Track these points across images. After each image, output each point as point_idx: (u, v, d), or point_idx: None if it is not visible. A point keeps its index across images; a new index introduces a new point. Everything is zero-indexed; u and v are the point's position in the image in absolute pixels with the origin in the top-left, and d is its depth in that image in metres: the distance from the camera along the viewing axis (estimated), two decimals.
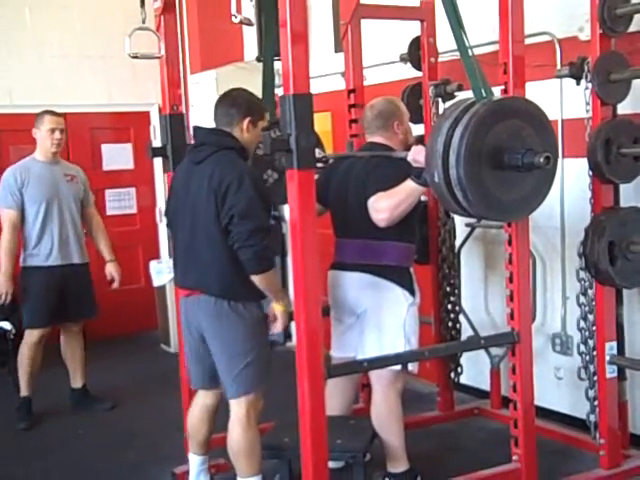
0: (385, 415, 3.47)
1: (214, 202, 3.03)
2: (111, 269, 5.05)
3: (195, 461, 3.50)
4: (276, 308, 3.19)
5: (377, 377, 3.47)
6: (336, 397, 3.63)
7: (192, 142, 3.35)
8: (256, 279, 3.04)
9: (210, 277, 3.13)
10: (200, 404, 3.43)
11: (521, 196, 2.87)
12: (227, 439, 3.19)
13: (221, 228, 3.04)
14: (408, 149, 3.34)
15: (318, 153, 3.24)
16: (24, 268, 4.76)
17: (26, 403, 4.83)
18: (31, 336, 4.77)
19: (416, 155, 3.11)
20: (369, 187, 3.30)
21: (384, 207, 3.22)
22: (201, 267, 3.16)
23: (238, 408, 3.16)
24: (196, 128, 3.30)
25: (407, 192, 3.19)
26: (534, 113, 2.86)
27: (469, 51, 2.91)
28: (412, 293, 3.45)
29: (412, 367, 3.45)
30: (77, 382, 5.05)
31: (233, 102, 3.21)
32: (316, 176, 3.05)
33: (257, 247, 2.96)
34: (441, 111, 4.18)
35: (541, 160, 2.70)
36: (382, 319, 3.40)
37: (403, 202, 3.21)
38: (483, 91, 2.84)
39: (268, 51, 3.51)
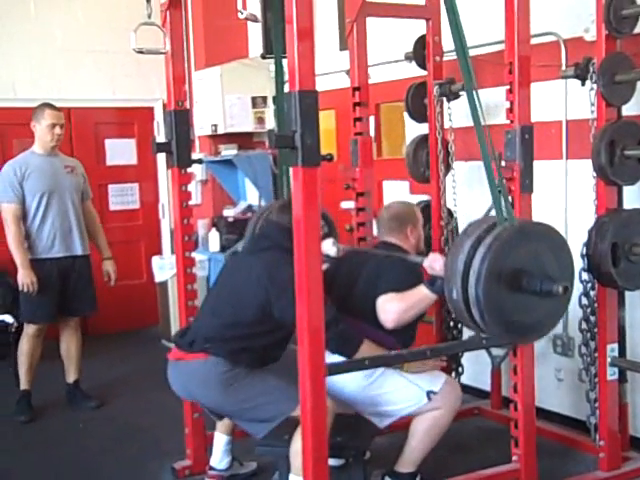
0: (435, 427, 3.36)
1: (265, 293, 3.10)
2: (108, 267, 5.05)
3: (221, 440, 3.64)
4: (404, 371, 3.28)
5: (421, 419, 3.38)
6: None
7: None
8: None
9: (216, 334, 3.18)
10: None
11: (536, 319, 2.90)
12: (293, 438, 3.14)
13: (263, 314, 3.11)
14: (419, 254, 3.38)
15: (333, 244, 3.26)
16: None
17: (26, 396, 4.84)
18: (29, 329, 4.78)
19: (433, 263, 3.12)
20: (380, 285, 3.28)
21: (394, 309, 3.20)
22: (214, 327, 3.21)
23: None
24: (267, 220, 3.48)
25: (419, 298, 3.18)
26: (555, 239, 2.91)
27: (495, 171, 2.84)
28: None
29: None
30: (69, 377, 5.05)
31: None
32: (325, 266, 3.13)
33: (335, 338, 2.90)
34: (445, 111, 4.19)
35: (560, 289, 2.73)
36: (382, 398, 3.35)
37: (414, 307, 3.20)
38: (504, 212, 2.84)
39: (277, 49, 3.49)
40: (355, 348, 3.06)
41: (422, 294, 3.17)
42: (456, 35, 2.82)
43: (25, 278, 4.61)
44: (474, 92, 2.81)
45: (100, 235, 5.08)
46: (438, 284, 3.06)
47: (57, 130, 4.76)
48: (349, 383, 3.28)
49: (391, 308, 3.21)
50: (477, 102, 2.81)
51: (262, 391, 3.14)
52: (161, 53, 3.55)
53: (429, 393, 3.30)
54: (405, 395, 3.31)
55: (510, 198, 3.05)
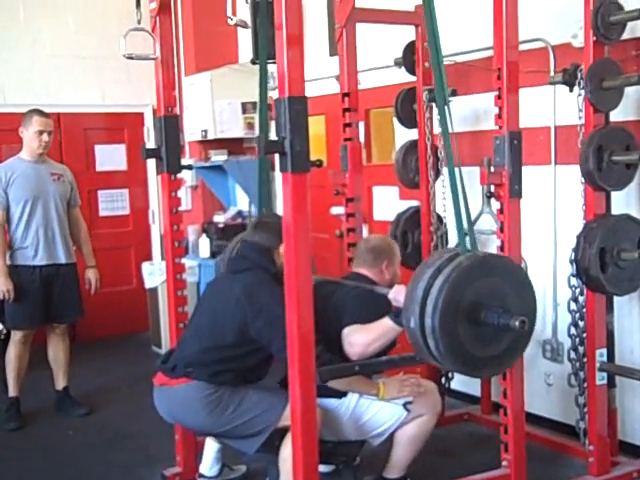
0: (419, 434, 3.37)
1: (242, 315, 3.11)
2: (90, 275, 5.01)
3: (212, 447, 3.64)
4: (380, 399, 3.26)
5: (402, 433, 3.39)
6: None
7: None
8: (336, 385, 3.08)
9: (198, 358, 3.19)
10: None
11: (494, 354, 2.81)
12: (282, 445, 3.16)
13: (242, 336, 3.12)
14: None
15: None
16: (9, 267, 4.70)
17: (15, 404, 4.81)
18: (15, 335, 4.76)
19: (397, 294, 3.06)
20: (346, 316, 3.25)
21: (359, 342, 3.16)
22: (196, 351, 3.21)
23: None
24: (244, 241, 3.43)
25: (383, 330, 3.12)
26: (517, 274, 2.87)
27: (462, 204, 2.83)
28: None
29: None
30: (59, 384, 5.01)
31: (269, 230, 3.30)
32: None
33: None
34: (434, 116, 4.19)
35: (516, 324, 2.66)
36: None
37: (378, 340, 3.14)
38: (468, 243, 2.82)
39: (262, 54, 3.50)
40: (327, 379, 3.03)
41: (387, 326, 3.10)
42: (432, 41, 2.83)
43: (1, 286, 4.58)
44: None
45: (86, 243, 5.04)
46: (401, 316, 2.98)
47: (45, 137, 4.72)
48: (334, 418, 3.28)
49: (356, 340, 3.16)
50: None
51: (247, 408, 3.13)
52: (151, 59, 3.54)
53: (405, 405, 3.30)
54: (385, 415, 3.31)
55: (499, 204, 3.07)
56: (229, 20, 2.83)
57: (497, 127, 3.04)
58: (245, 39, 6.20)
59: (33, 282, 4.72)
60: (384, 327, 3.11)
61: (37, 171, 4.78)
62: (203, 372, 3.14)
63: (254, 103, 5.99)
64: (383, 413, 3.31)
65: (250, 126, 6.13)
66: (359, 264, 3.57)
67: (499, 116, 3.04)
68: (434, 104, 4.16)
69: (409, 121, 4.32)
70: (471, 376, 3.02)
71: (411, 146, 4.33)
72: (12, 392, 4.82)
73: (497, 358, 2.84)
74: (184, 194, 6.40)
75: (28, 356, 4.83)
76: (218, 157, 6.20)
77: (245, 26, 2.93)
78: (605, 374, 3.46)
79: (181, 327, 3.64)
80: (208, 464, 3.65)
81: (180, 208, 3.72)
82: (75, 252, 4.98)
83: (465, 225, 2.83)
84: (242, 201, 6.38)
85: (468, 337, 2.71)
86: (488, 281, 2.75)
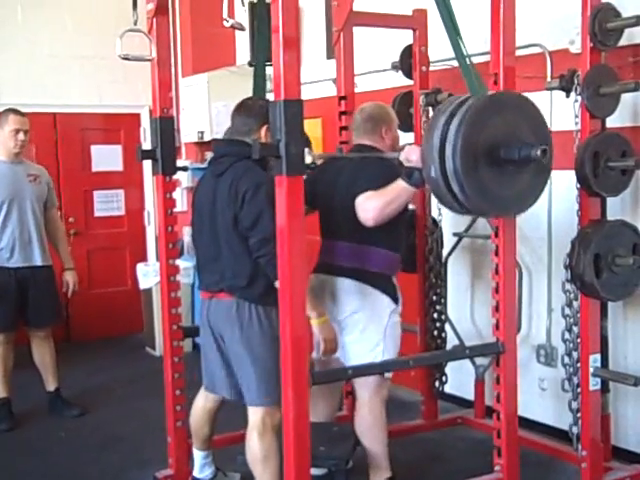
0: (369, 423, 3.46)
1: (233, 210, 3.07)
2: (68, 277, 4.96)
3: (198, 456, 3.60)
4: (313, 324, 3.14)
5: (361, 384, 3.46)
6: (320, 403, 3.63)
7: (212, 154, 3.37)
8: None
9: (234, 280, 3.14)
10: (201, 405, 3.49)
11: (517, 191, 2.84)
12: (246, 445, 3.20)
13: (242, 236, 3.08)
14: None
15: (307, 152, 3.21)
16: None
17: (5, 404, 4.78)
18: None
19: (409, 154, 3.07)
20: (358, 186, 3.26)
21: (373, 206, 3.17)
22: (224, 271, 3.18)
23: (254, 416, 3.17)
24: (215, 140, 3.34)
25: (397, 192, 3.14)
26: (527, 107, 2.86)
27: (463, 50, 2.91)
28: (395, 301, 3.44)
29: (387, 374, 3.45)
30: (49, 386, 4.98)
31: (249, 111, 3.22)
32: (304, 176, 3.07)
33: (269, 256, 2.90)
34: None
35: (538, 153, 2.68)
36: (364, 325, 3.40)
37: (392, 202, 3.16)
38: (478, 87, 2.85)
39: (260, 56, 3.51)
40: None
41: (400, 188, 3.12)
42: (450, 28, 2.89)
43: None
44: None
45: (63, 245, 4.98)
46: (416, 176, 3.01)
47: (20, 136, 4.67)
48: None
49: (370, 205, 3.18)
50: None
51: (272, 355, 3.01)
52: (147, 60, 3.53)
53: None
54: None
55: None
56: (225, 22, 2.82)
57: None
58: (242, 41, 6.20)
59: (8, 285, 4.66)
60: (398, 189, 3.13)
61: (13, 172, 4.72)
62: (249, 295, 3.11)
63: None
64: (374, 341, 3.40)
65: None
66: (359, 135, 3.58)
67: None
68: (430, 108, 4.16)
69: (406, 125, 4.31)
70: (498, 215, 3.06)
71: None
72: (1, 393, 4.78)
73: (521, 195, 2.87)
74: (180, 195, 6.38)
75: (13, 356, 4.79)
76: None
77: (241, 28, 2.93)
78: (599, 379, 3.46)
79: (175, 329, 3.64)
80: (198, 469, 3.62)
81: (176, 209, 3.72)
82: (52, 255, 4.92)
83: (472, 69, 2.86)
84: None
85: (491, 176, 2.73)
86: (501, 118, 2.76)
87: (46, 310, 4.82)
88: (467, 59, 2.91)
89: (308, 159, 3.10)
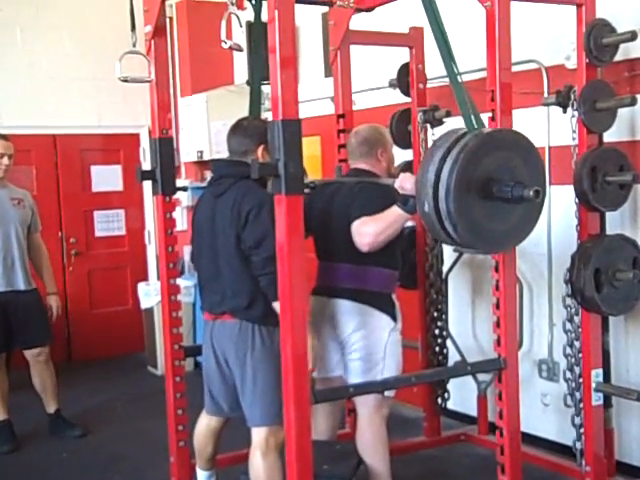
0: (370, 440, 3.45)
1: (235, 230, 3.08)
2: (52, 302, 4.94)
3: (202, 476, 3.58)
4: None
5: (362, 402, 3.46)
6: (322, 421, 3.63)
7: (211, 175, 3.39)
8: (276, 306, 2.96)
9: (235, 301, 3.16)
10: (205, 424, 3.47)
11: (510, 227, 2.86)
12: (249, 465, 3.19)
13: (243, 255, 3.09)
14: (391, 177, 3.36)
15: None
16: None
17: (7, 426, 4.77)
18: None
19: (404, 182, 3.11)
20: (354, 211, 3.28)
21: (368, 232, 3.20)
22: (225, 290, 3.19)
23: (257, 436, 3.16)
24: (214, 161, 3.37)
25: (392, 218, 3.18)
26: (523, 144, 2.87)
27: (459, 78, 2.93)
28: (394, 319, 3.45)
29: (388, 392, 3.43)
30: (49, 408, 4.97)
31: (245, 131, 3.24)
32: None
33: (272, 275, 2.87)
34: (429, 137, 4.21)
35: (530, 193, 2.70)
36: (364, 344, 3.39)
37: (388, 228, 3.19)
38: (474, 121, 2.85)
39: (255, 75, 3.52)
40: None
41: (395, 214, 3.15)
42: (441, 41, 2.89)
43: None
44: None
45: (46, 269, 4.95)
46: (410, 203, 3.04)
47: (5, 160, 4.67)
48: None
49: (366, 231, 3.20)
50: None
51: (275, 376, 3.02)
52: (146, 81, 3.55)
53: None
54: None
55: None
56: (223, 44, 2.84)
57: None
58: (241, 61, 6.23)
59: None
60: (393, 215, 3.16)
61: None
62: (252, 316, 3.12)
63: None
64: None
65: None
66: (355, 159, 3.59)
67: None
68: (428, 125, 4.18)
69: (404, 142, 4.33)
70: (490, 251, 3.07)
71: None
72: (1, 415, 4.77)
73: (513, 231, 2.88)
74: (180, 214, 6.40)
75: (7, 379, 4.78)
76: None
77: (239, 49, 2.94)
78: (601, 394, 3.46)
79: (176, 349, 3.63)
80: None
81: (176, 228, 3.73)
82: (36, 279, 4.89)
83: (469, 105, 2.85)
84: None
85: (483, 214, 2.74)
86: (496, 156, 2.76)
87: (35, 331, 4.78)
88: (464, 89, 2.92)
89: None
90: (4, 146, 4.69)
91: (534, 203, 2.81)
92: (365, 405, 3.45)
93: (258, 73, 3.42)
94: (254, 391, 3.14)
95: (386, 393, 3.40)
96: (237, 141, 3.24)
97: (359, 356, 3.40)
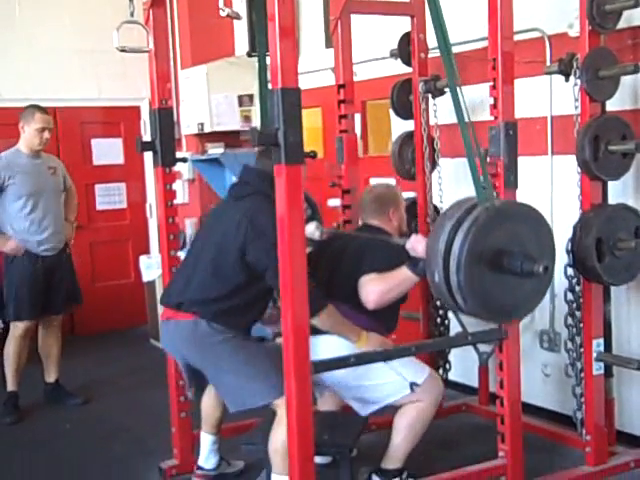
0: (417, 421, 3.35)
1: (243, 237, 3.08)
2: (67, 230, 5.06)
3: (207, 440, 3.63)
4: (358, 346, 3.17)
5: (402, 413, 3.36)
6: (328, 395, 3.63)
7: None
8: (317, 322, 2.99)
9: (197, 292, 3.18)
10: (214, 392, 3.49)
11: (519, 299, 2.91)
12: (270, 436, 3.15)
13: (241, 263, 3.09)
14: (401, 236, 3.38)
15: (317, 227, 3.23)
16: (10, 259, 4.76)
17: (12, 398, 4.82)
18: (16, 329, 4.77)
19: (415, 245, 3.13)
20: (363, 266, 3.28)
21: (376, 290, 3.20)
22: (192, 282, 3.20)
23: (281, 411, 3.05)
24: (245, 166, 3.37)
25: (401, 279, 3.18)
26: (533, 217, 2.91)
27: (473, 147, 2.84)
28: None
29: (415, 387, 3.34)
30: (50, 376, 5.04)
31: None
32: (309, 249, 3.10)
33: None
34: (431, 107, 4.18)
35: (540, 269, 2.73)
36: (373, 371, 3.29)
37: (395, 288, 3.21)
38: (483, 189, 2.83)
39: (261, 47, 3.49)
40: (317, 309, 2.97)
41: (404, 275, 3.17)
42: (439, 31, 2.83)
43: (7, 247, 4.72)
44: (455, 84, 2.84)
45: (72, 212, 5.16)
46: (420, 266, 3.06)
47: (46, 134, 4.78)
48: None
49: (373, 288, 3.21)
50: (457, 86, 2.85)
51: (245, 360, 3.11)
52: (144, 51, 3.53)
53: (412, 385, 3.29)
54: (389, 385, 3.30)
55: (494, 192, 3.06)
56: (221, 11, 2.82)
57: (493, 118, 3.03)
58: (241, 32, 6.18)
59: (35, 273, 4.77)
60: (402, 276, 3.17)
61: (36, 167, 4.83)
62: (208, 311, 3.14)
63: (250, 96, 5.97)
64: (389, 382, 3.29)
65: (247, 119, 6.10)
66: (367, 215, 3.62)
67: (494, 106, 3.03)
68: (430, 95, 4.15)
69: (405, 112, 4.31)
70: (500, 322, 3.10)
71: (407, 137, 4.32)
72: (10, 386, 4.83)
73: (522, 303, 2.95)
74: (181, 187, 6.39)
75: (27, 351, 4.84)
76: (215, 150, 6.18)
77: (237, 17, 2.93)
78: (602, 364, 3.46)
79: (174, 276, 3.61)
80: (205, 456, 3.65)
81: (177, 201, 3.73)
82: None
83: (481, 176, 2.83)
84: None
85: (493, 286, 2.79)
86: (507, 229, 2.80)
87: (71, 292, 4.99)
88: (474, 161, 2.84)
89: (317, 235, 3.15)
90: (45, 120, 4.80)
91: (543, 277, 2.84)
92: (407, 410, 3.35)
93: (263, 46, 3.38)
94: (237, 380, 3.13)
95: (414, 388, 3.30)
96: (265, 164, 3.13)
97: (367, 386, 3.33)
